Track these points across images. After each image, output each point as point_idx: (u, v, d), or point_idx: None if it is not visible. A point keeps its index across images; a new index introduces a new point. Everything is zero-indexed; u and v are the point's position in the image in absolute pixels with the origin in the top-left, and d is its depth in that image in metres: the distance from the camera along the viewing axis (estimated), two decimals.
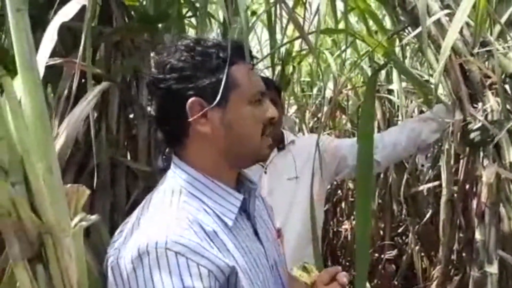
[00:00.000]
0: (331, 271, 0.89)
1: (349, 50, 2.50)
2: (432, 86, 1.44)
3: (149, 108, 1.16)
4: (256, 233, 0.87)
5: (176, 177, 0.82)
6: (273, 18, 1.90)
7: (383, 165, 1.60)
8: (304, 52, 2.16)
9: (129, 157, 1.24)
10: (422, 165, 1.71)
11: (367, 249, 1.37)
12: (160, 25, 1.29)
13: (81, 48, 0.96)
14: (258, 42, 2.46)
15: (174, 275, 0.70)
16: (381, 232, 2.64)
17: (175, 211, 0.77)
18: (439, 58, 1.18)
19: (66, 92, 1.07)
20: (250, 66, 0.84)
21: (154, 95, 0.84)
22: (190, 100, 0.78)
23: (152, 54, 1.22)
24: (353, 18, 2.52)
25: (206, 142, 0.82)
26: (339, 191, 2.96)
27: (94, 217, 0.76)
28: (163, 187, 0.83)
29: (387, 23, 2.19)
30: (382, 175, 2.47)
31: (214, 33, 1.92)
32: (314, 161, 1.43)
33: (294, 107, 2.93)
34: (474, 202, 1.33)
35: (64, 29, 1.05)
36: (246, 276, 0.78)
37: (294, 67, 2.13)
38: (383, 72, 2.44)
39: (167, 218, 0.76)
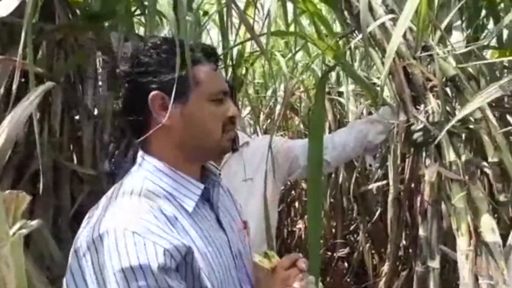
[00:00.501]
0: (292, 257, 0.96)
1: (301, 53, 2.54)
2: (379, 89, 1.50)
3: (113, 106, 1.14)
4: (219, 223, 0.92)
5: (140, 169, 0.88)
6: (225, 19, 1.89)
7: (333, 165, 1.64)
8: (256, 53, 2.17)
9: (74, 160, 1.20)
10: (370, 165, 1.77)
11: (319, 248, 1.40)
12: (106, 23, 1.25)
13: (21, 45, 0.91)
14: (211, 42, 2.44)
15: (130, 253, 0.74)
16: (333, 231, 2.71)
17: (136, 198, 0.82)
18: (384, 61, 1.22)
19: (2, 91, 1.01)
20: (214, 66, 0.91)
21: (122, 87, 0.90)
22: (152, 93, 0.85)
23: (98, 53, 1.19)
24: (305, 21, 2.56)
25: (167, 135, 0.87)
26: (293, 192, 3.00)
27: (34, 223, 0.73)
28: (128, 179, 0.87)
29: (338, 26, 2.25)
30: (333, 175, 2.52)
31: (165, 31, 1.89)
32: (267, 163, 1.44)
33: (248, 109, 2.94)
34: (419, 200, 1.39)
35: None
36: (206, 260, 0.83)
37: (247, 68, 2.13)
38: (334, 75, 2.50)
39: (128, 204, 0.81)
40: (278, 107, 2.60)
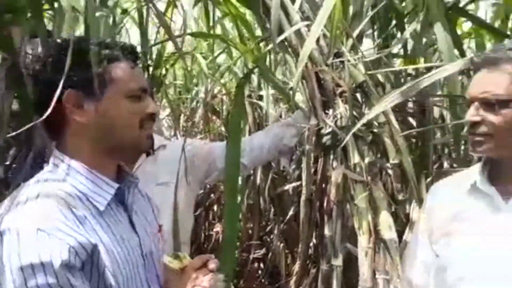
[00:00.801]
0: (203, 257, 0.98)
1: (224, 56, 2.55)
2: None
3: None
4: (132, 224, 0.93)
5: (54, 168, 0.88)
6: (144, 18, 1.84)
7: (249, 167, 1.66)
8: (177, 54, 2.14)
9: None
10: (284, 167, 1.83)
11: (234, 249, 1.41)
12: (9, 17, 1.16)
13: None
14: (129, 41, 2.36)
15: (31, 251, 0.74)
16: (250, 232, 2.74)
17: (46, 197, 0.81)
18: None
19: None
20: (132, 64, 0.91)
21: (35, 86, 0.90)
22: (66, 92, 0.85)
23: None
24: (229, 24, 2.58)
25: (82, 132, 0.87)
26: (212, 195, 2.99)
27: None
28: (38, 178, 0.87)
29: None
30: (251, 177, 2.56)
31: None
32: (179, 166, 1.42)
33: (168, 110, 2.89)
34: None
35: None
36: (112, 257, 0.84)
37: (166, 69, 2.09)
38: (256, 78, 2.54)
39: (36, 202, 0.80)
40: (200, 109, 2.58)
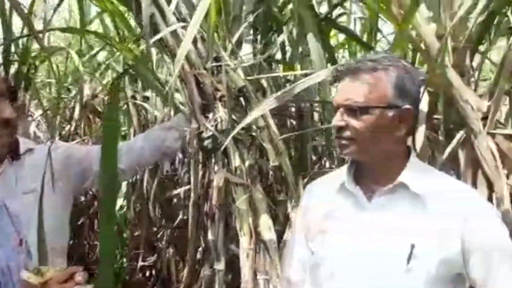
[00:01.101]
0: (68, 270, 0.94)
1: (105, 53, 2.39)
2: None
3: None
4: None
5: None
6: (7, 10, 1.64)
7: (128, 173, 1.57)
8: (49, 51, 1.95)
9: None
10: (167, 171, 1.78)
11: (112, 262, 1.31)
12: None
13: None
14: None
15: None
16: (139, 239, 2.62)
17: None
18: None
19: None
20: None
21: None
22: None
23: None
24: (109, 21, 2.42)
25: None
26: (96, 202, 2.79)
27: None
28: None
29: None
30: (138, 182, 2.44)
31: None
32: (46, 171, 1.28)
33: (40, 111, 2.62)
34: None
35: None
36: None
37: (35, 66, 1.88)
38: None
39: None
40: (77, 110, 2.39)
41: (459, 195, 1.04)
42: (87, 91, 2.49)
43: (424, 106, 1.23)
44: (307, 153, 1.71)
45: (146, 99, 2.42)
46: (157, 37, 1.23)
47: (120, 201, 2.44)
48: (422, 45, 1.30)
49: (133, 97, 2.36)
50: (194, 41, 1.35)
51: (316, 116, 1.99)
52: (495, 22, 1.46)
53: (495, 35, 1.51)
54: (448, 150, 1.28)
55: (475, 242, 0.99)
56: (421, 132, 1.21)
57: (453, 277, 1.03)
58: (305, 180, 1.54)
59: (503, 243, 0.99)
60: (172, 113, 2.32)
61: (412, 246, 1.00)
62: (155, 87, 1.58)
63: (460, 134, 1.27)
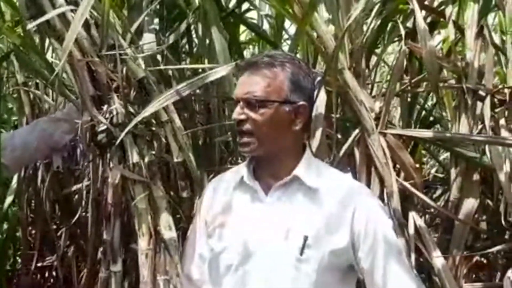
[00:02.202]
0: None
1: None
2: None
3: None
4: None
5: None
6: None
7: (13, 169, 1.43)
8: None
9: None
10: (58, 167, 1.64)
11: None
12: None
13: None
14: None
15: None
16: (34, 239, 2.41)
17: None
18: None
19: None
20: None
21: None
22: None
23: None
24: None
25: None
26: None
27: None
28: None
29: None
30: (30, 176, 2.23)
31: None
32: None
33: None
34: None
35: None
36: None
37: None
38: None
39: None
40: None
41: (350, 190, 1.11)
42: None
43: (322, 105, 1.26)
44: (215, 148, 1.69)
45: (39, 87, 2.22)
46: (42, 19, 1.11)
47: (10, 198, 2.20)
48: (322, 46, 1.34)
49: (25, 84, 2.14)
50: (87, 27, 1.24)
51: (227, 111, 1.98)
52: (388, 27, 1.56)
53: (388, 40, 1.61)
54: (345, 147, 1.33)
55: (363, 234, 1.06)
56: (319, 129, 1.25)
57: (344, 267, 1.09)
58: (211, 176, 1.51)
59: (388, 236, 1.07)
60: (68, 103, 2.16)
61: (305, 238, 1.04)
62: (42, 74, 1.44)
63: (355, 133, 1.33)
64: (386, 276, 1.04)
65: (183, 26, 1.51)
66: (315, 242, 1.04)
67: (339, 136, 1.39)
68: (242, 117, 1.07)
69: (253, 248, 1.07)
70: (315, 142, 1.26)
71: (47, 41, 1.64)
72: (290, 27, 2.20)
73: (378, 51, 1.75)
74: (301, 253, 1.04)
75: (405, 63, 1.51)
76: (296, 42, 1.36)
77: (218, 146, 1.76)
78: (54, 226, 2.50)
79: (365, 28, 1.46)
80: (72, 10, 1.21)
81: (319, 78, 1.26)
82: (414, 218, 1.31)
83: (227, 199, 1.15)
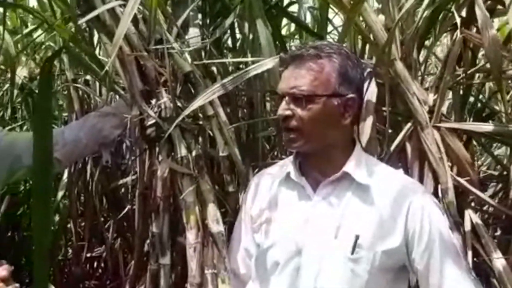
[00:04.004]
0: None
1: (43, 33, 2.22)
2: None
3: None
4: None
5: None
6: None
7: (64, 163, 1.47)
8: None
9: None
10: (107, 161, 1.68)
11: (47, 256, 1.23)
12: None
13: None
14: None
15: None
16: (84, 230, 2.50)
17: None
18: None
19: None
20: None
21: None
22: None
23: None
24: None
25: None
26: None
27: None
28: None
29: None
30: (80, 171, 2.31)
31: None
32: None
33: None
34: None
35: None
36: None
37: None
38: None
39: None
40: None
41: (403, 187, 1.06)
42: (24, 72, 2.31)
43: (372, 97, 1.22)
44: (259, 143, 1.68)
45: (88, 83, 2.29)
46: (92, 15, 1.13)
47: (62, 192, 2.29)
48: (371, 37, 1.29)
49: (75, 80, 2.21)
50: (136, 22, 1.26)
51: (269, 105, 1.97)
52: (440, 17, 1.48)
53: (440, 30, 1.53)
54: (396, 142, 1.28)
55: (418, 234, 1.01)
56: (368, 123, 1.21)
57: (397, 268, 1.05)
58: (256, 170, 1.51)
59: (445, 236, 1.01)
60: (117, 98, 2.21)
61: (357, 237, 1.00)
62: (92, 70, 1.47)
63: (407, 127, 1.28)
64: (442, 278, 0.99)
65: (230, 20, 1.49)
66: (366, 242, 1.01)
67: (390, 131, 1.34)
68: (288, 113, 1.03)
69: (301, 246, 1.05)
70: (364, 137, 1.22)
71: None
72: (334, 17, 2.15)
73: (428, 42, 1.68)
74: (352, 252, 1.00)
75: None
76: (345, 33, 1.31)
77: (262, 140, 1.75)
78: (102, 219, 2.59)
79: (416, 18, 1.40)
80: (121, 5, 1.23)
81: (368, 70, 1.22)
82: (471, 216, 1.24)
83: (273, 194, 1.13)
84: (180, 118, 1.20)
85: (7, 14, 1.98)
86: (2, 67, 2.31)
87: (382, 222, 1.01)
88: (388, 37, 1.19)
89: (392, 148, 1.29)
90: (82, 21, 1.13)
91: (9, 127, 2.37)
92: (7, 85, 2.49)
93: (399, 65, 1.27)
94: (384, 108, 1.25)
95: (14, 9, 1.75)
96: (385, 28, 1.29)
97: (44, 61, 1.17)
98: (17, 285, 0.89)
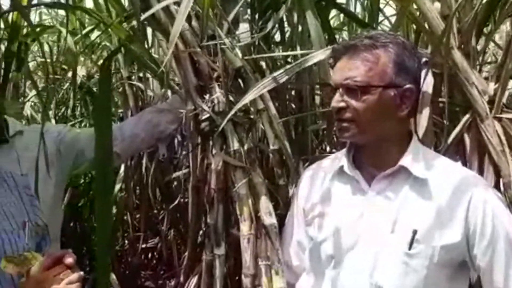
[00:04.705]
0: (56, 255, 0.89)
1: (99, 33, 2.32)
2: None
3: None
4: None
5: None
6: None
7: (123, 157, 1.54)
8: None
9: None
10: (164, 155, 1.74)
11: (108, 245, 1.30)
12: None
13: None
14: None
15: None
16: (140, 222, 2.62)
17: None
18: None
19: None
20: None
21: None
22: None
23: None
24: None
25: None
26: None
27: None
28: None
29: None
30: (135, 165, 2.42)
31: None
32: (39, 155, 1.25)
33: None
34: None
35: None
36: None
37: (26, 44, 1.82)
38: None
39: None
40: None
41: (463, 181, 1.02)
42: (82, 71, 2.44)
43: (428, 88, 1.18)
44: (308, 136, 1.68)
45: (142, 80, 2.37)
46: (148, 13, 1.17)
47: (119, 185, 2.41)
48: (426, 25, 1.25)
49: (129, 78, 2.31)
50: (189, 19, 1.29)
51: (317, 99, 1.96)
52: (500, 3, 1.41)
53: (499, 17, 1.45)
54: (454, 134, 1.24)
55: (480, 229, 0.97)
56: (425, 115, 1.17)
57: (456, 264, 1.01)
58: (306, 164, 1.51)
59: (510, 232, 0.97)
60: (169, 94, 2.28)
61: (414, 232, 0.98)
62: (149, 67, 1.53)
63: (466, 118, 1.23)
64: (508, 276, 0.95)
65: (281, 13, 1.50)
66: (424, 237, 0.98)
67: (446, 122, 1.29)
68: (342, 104, 1.01)
69: (356, 240, 1.04)
70: (420, 129, 1.18)
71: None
72: (385, 7, 2.10)
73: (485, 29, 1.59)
74: (410, 247, 0.98)
75: None
76: (398, 22, 1.28)
77: (311, 134, 1.74)
78: (156, 211, 2.70)
79: (473, 4, 1.33)
80: (175, 3, 1.26)
81: (425, 59, 1.18)
82: None
83: (326, 188, 1.13)
84: (232, 112, 1.22)
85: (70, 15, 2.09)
86: (65, 67, 2.44)
87: (441, 216, 0.99)
88: (446, 25, 1.14)
89: (450, 140, 1.24)
90: (142, 18, 1.17)
91: (70, 123, 2.51)
92: (66, 84, 2.65)
93: (457, 54, 1.23)
94: (440, 99, 1.21)
95: (73, 11, 1.84)
96: (441, 16, 1.25)
97: (103, 60, 1.24)
98: (82, 273, 0.91)
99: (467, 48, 1.28)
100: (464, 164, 1.24)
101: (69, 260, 0.88)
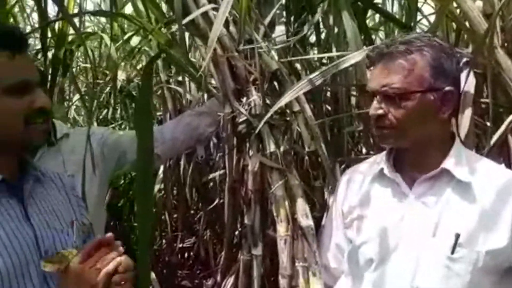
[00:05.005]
0: (89, 246, 0.90)
1: (139, 38, 2.40)
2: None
3: None
4: (28, 218, 0.90)
5: None
6: None
7: (163, 158, 1.59)
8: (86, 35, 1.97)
9: None
10: (202, 156, 1.79)
11: (148, 244, 1.34)
12: None
13: None
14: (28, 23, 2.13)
15: None
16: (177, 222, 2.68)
17: None
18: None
19: None
20: (9, 53, 0.85)
21: None
22: None
23: None
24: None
25: None
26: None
27: None
28: None
29: None
30: (174, 166, 2.48)
31: None
32: (86, 156, 1.31)
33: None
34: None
35: None
36: (5, 254, 0.84)
37: (71, 50, 1.92)
38: None
39: None
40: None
41: (508, 184, 0.98)
42: (122, 76, 2.53)
43: (470, 88, 1.15)
44: (344, 138, 1.67)
45: (180, 83, 2.43)
46: (188, 19, 1.21)
47: (158, 186, 2.48)
48: (467, 24, 1.22)
49: (167, 81, 2.37)
50: (226, 24, 1.32)
51: (353, 100, 1.94)
52: None
53: None
54: (497, 136, 1.20)
55: None
56: (467, 116, 1.15)
57: (502, 269, 0.98)
58: (342, 166, 1.50)
59: None
60: (206, 97, 2.33)
61: (457, 236, 0.96)
62: (188, 72, 1.57)
63: (510, 119, 1.19)
64: None
65: (317, 15, 1.50)
66: (468, 241, 0.95)
67: (489, 124, 1.26)
68: (380, 112, 0.99)
69: (397, 244, 1.01)
70: (462, 131, 1.15)
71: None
72: (423, 5, 2.06)
73: None
74: (453, 251, 0.95)
75: None
76: (438, 21, 1.25)
77: (347, 136, 1.73)
78: (192, 211, 2.76)
79: None
80: (213, 9, 1.30)
81: (464, 59, 1.15)
82: None
83: (365, 191, 1.11)
84: (269, 115, 1.23)
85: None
86: (106, 71, 2.54)
87: (485, 220, 0.96)
88: (489, 24, 1.11)
89: (493, 142, 1.21)
90: (182, 23, 1.20)
91: (110, 126, 2.61)
92: (107, 88, 2.75)
93: (500, 53, 1.19)
94: (482, 100, 1.18)
95: (115, 18, 1.91)
96: (482, 15, 1.21)
97: (145, 65, 1.29)
98: (121, 249, 0.93)
99: (511, 47, 1.25)
100: (508, 166, 1.20)
101: (108, 235, 0.91)
